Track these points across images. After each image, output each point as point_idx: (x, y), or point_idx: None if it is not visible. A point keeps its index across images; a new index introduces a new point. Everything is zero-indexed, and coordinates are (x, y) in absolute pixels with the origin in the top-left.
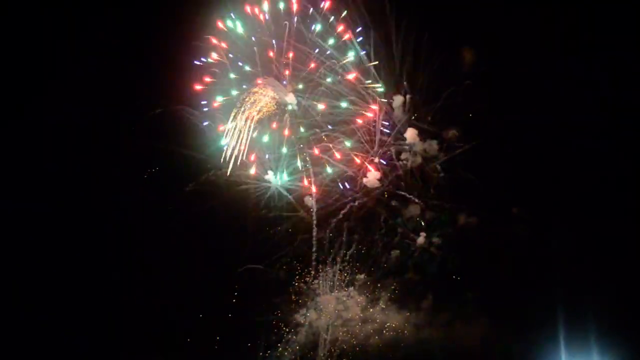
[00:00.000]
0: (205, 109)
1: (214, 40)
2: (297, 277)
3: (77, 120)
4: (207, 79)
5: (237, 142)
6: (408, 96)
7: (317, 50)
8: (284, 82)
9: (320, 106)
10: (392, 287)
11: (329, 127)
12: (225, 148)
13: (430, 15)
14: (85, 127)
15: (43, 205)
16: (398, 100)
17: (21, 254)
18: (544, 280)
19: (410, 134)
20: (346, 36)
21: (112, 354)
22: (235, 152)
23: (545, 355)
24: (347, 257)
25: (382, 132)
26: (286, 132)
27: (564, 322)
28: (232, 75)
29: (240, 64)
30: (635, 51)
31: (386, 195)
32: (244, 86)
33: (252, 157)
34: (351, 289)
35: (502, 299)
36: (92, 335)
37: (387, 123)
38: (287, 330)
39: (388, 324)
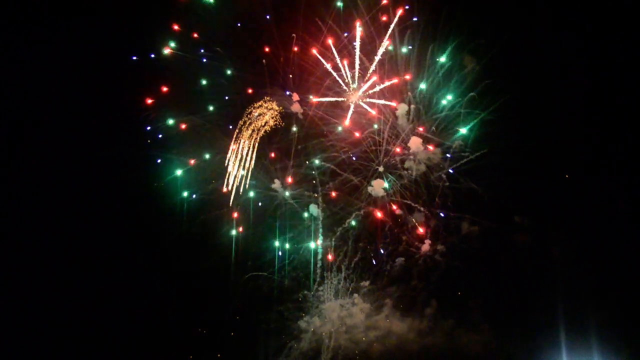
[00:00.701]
0: (160, 135)
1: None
2: (302, 284)
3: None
4: (164, 88)
5: (239, 167)
6: (412, 106)
7: (345, 34)
8: (288, 93)
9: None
10: (396, 295)
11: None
12: (227, 172)
13: (434, 25)
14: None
15: (53, 211)
16: (402, 109)
17: (30, 259)
18: (546, 288)
19: (414, 142)
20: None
21: None
22: (237, 181)
23: None
24: (352, 265)
25: (388, 142)
26: (290, 179)
27: (566, 330)
28: (203, 82)
29: (216, 59)
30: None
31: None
32: (226, 97)
33: (235, 215)
34: (355, 296)
35: (504, 306)
36: (94, 346)
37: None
38: (290, 337)
39: (391, 331)
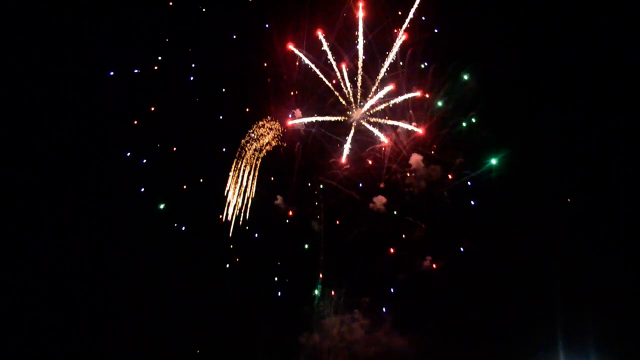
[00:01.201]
0: (144, 160)
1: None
2: (303, 299)
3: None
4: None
5: (237, 198)
6: (413, 123)
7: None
8: (290, 115)
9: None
10: (397, 310)
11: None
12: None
13: (436, 44)
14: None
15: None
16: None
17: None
18: (547, 304)
19: (415, 159)
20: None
21: None
22: (237, 211)
23: None
24: (353, 280)
25: (390, 159)
26: (290, 212)
27: (566, 347)
28: (196, 99)
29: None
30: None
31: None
32: (221, 116)
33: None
34: (356, 311)
35: (504, 322)
36: None
37: None
38: (289, 353)
39: (391, 347)
